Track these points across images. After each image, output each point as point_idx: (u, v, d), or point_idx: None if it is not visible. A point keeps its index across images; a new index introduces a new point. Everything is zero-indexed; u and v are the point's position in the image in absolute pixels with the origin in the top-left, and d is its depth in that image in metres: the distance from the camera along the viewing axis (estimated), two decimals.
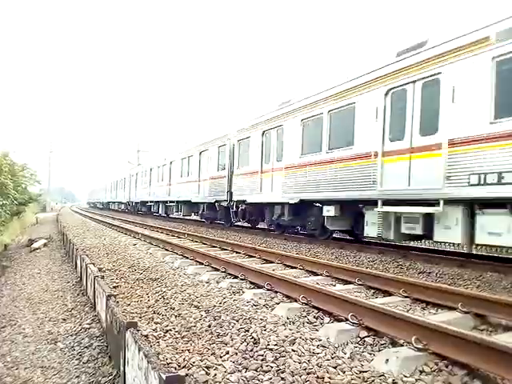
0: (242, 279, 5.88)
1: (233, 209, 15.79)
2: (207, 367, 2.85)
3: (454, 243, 8.95)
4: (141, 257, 8.38)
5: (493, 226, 6.47)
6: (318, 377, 2.68)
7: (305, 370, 2.77)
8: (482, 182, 6.45)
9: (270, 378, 2.66)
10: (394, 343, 3.36)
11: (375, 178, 8.49)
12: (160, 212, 26.58)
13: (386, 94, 8.41)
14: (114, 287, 5.55)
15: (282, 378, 2.66)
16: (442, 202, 7.05)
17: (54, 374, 3.62)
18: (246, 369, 2.82)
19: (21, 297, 6.66)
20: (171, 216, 25.56)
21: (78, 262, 7.75)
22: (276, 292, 5.09)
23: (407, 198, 7.90)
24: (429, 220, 7.53)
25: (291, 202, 11.60)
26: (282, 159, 12.09)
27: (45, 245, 13.40)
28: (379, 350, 3.24)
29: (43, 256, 11.37)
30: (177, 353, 3.17)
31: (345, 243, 10.53)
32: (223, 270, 6.54)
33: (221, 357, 3.05)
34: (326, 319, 4.08)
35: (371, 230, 8.91)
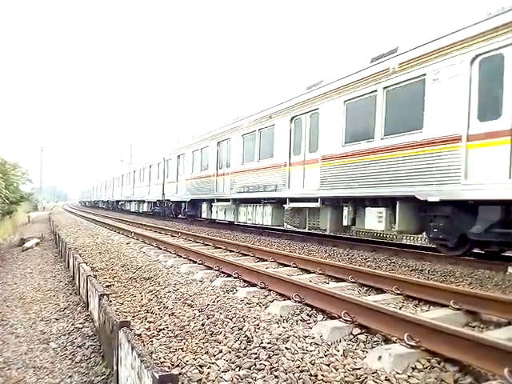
0: (235, 277, 5.87)
1: None
2: (201, 366, 2.85)
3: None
4: (134, 256, 8.35)
5: None
6: (311, 374, 2.69)
7: (298, 367, 2.78)
8: None
9: (264, 376, 2.67)
10: (386, 340, 3.37)
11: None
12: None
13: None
14: (107, 286, 5.53)
15: (276, 376, 2.66)
16: None
17: (47, 374, 3.59)
18: (240, 367, 2.82)
19: (13, 296, 6.60)
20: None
21: (71, 262, 7.70)
22: (269, 290, 5.09)
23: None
24: None
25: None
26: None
27: (37, 244, 13.30)
28: (372, 348, 3.26)
29: (35, 255, 11.27)
30: (170, 352, 3.16)
31: (338, 241, 10.57)
32: (217, 268, 6.53)
33: (214, 355, 3.04)
34: (320, 317, 4.08)
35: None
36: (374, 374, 2.70)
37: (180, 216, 22.54)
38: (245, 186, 13.96)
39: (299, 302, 4.42)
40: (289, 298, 4.61)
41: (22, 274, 8.65)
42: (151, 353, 3.09)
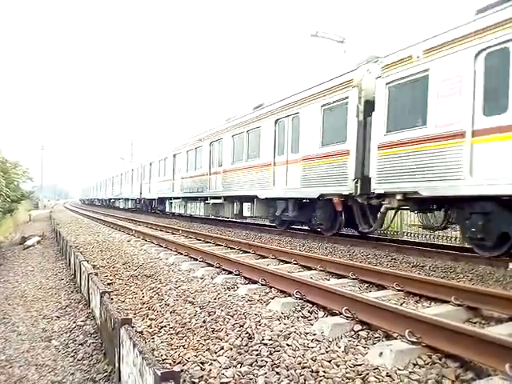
0: (236, 275, 5.88)
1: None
2: (202, 363, 2.85)
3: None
4: (135, 253, 8.36)
5: None
6: (312, 371, 2.69)
7: (299, 364, 2.78)
8: None
9: (265, 373, 2.67)
10: (387, 337, 3.37)
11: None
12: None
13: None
14: (108, 284, 5.53)
15: (277, 373, 2.66)
16: None
17: (49, 372, 3.61)
18: (241, 364, 2.83)
19: (14, 295, 6.62)
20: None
21: (72, 259, 7.72)
22: (270, 287, 5.09)
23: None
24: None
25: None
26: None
27: (38, 242, 13.32)
28: (373, 344, 3.26)
29: (37, 253, 11.31)
30: (172, 349, 3.17)
31: (339, 238, 10.57)
32: (218, 265, 6.53)
33: (216, 352, 3.05)
34: (321, 313, 4.09)
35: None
36: (376, 370, 2.70)
37: (157, 212, 26.98)
38: (188, 188, 19.70)
39: (300, 299, 4.42)
40: (290, 295, 4.61)
41: (23, 272, 8.67)
42: (153, 350, 3.10)
